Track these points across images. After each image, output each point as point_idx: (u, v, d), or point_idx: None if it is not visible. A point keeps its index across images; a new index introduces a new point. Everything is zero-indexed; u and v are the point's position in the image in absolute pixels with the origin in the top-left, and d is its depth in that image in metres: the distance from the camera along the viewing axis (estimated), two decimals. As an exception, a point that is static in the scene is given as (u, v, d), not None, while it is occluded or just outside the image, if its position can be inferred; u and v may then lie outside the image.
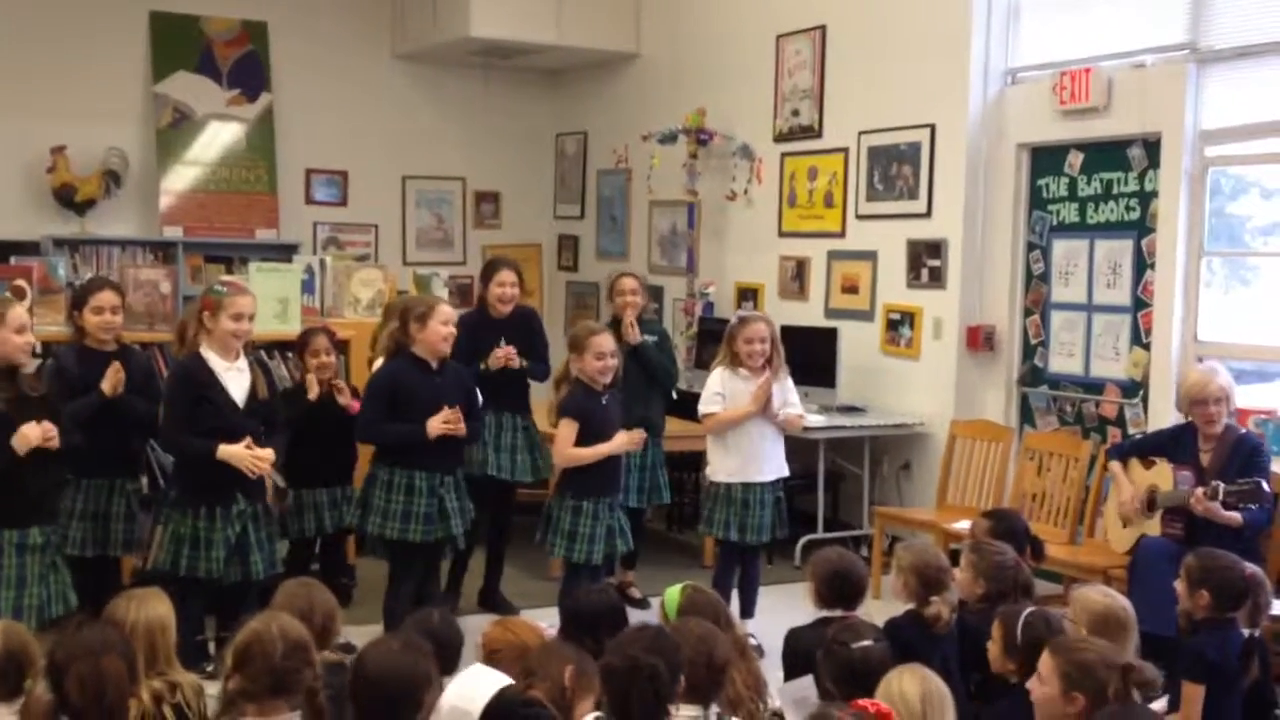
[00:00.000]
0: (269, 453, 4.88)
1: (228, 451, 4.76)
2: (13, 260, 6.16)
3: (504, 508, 6.05)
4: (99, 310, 5.01)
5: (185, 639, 3.70)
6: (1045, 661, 3.17)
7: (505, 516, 6.11)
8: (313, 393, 5.53)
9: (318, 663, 3.04)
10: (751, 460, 5.54)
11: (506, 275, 6.06)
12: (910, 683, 2.92)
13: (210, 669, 4.36)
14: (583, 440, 5.26)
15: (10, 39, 8.66)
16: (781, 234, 8.25)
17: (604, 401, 5.32)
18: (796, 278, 8.12)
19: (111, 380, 4.92)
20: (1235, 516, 4.90)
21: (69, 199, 8.69)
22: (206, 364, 4.84)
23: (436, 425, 5.06)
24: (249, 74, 9.36)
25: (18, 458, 4.27)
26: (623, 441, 5.30)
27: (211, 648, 4.87)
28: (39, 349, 4.89)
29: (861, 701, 2.75)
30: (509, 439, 6.00)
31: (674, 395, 6.95)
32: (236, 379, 4.89)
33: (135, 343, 5.69)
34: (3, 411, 4.25)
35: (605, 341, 5.29)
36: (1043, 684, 3.16)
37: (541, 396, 6.76)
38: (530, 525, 6.48)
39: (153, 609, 3.37)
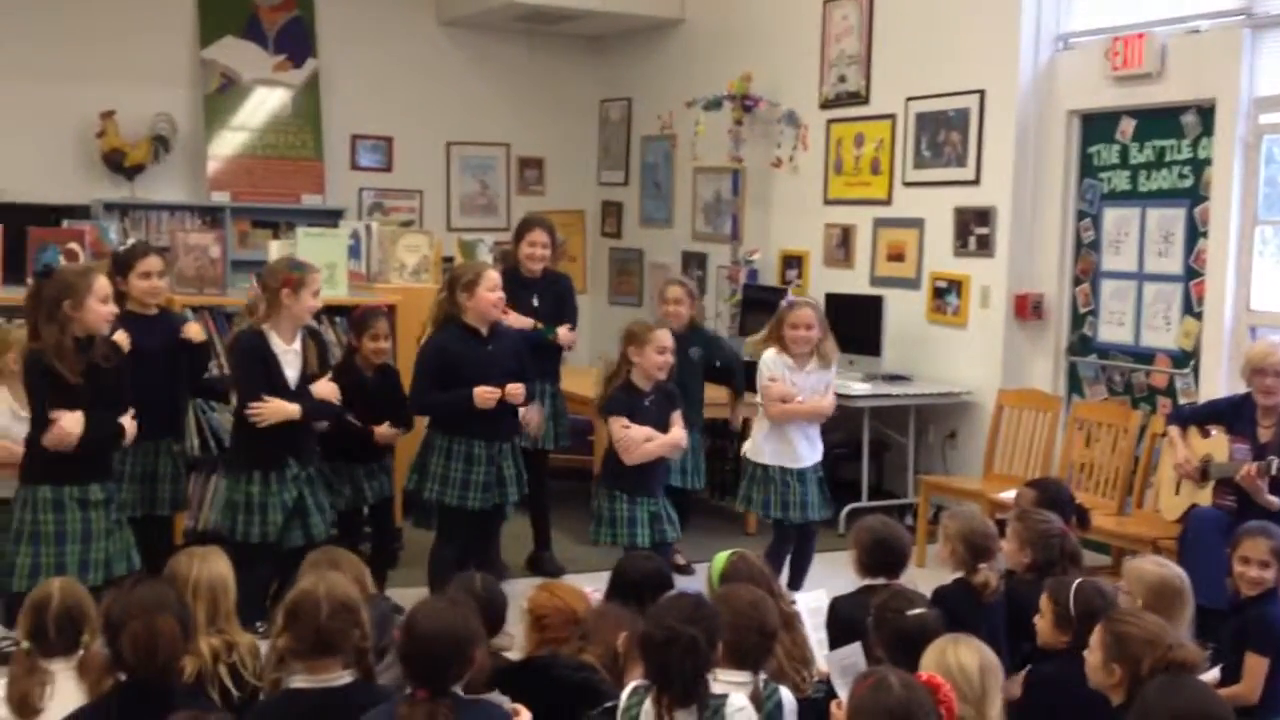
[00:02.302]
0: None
1: (276, 408, 4.80)
2: (65, 224, 6.22)
3: (538, 474, 6.03)
4: (147, 275, 4.99)
5: (246, 600, 3.71)
6: (1096, 630, 3.20)
7: (540, 482, 6.09)
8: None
9: (366, 623, 3.07)
10: (793, 447, 5.50)
11: (538, 235, 6.05)
12: (968, 654, 2.91)
13: (262, 629, 4.41)
14: None
15: (62, 4, 8.71)
16: (827, 201, 8.20)
17: (646, 404, 5.26)
18: (842, 245, 8.08)
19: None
20: (1274, 500, 4.87)
21: (118, 164, 8.77)
22: (268, 343, 4.87)
23: (485, 394, 5.07)
24: (295, 39, 9.38)
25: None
26: (677, 438, 5.27)
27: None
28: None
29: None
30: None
31: (716, 364, 6.94)
32: (293, 361, 4.92)
33: (185, 306, 5.74)
34: (74, 384, 4.24)
35: (666, 337, 5.24)
36: (1091, 652, 3.19)
37: (582, 361, 6.79)
38: (575, 491, 6.52)
39: (214, 567, 3.41)
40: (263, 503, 4.84)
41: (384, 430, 5.46)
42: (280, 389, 4.86)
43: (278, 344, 4.88)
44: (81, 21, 8.77)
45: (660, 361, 5.22)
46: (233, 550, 4.00)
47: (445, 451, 5.16)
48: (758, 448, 5.56)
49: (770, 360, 5.50)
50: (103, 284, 4.35)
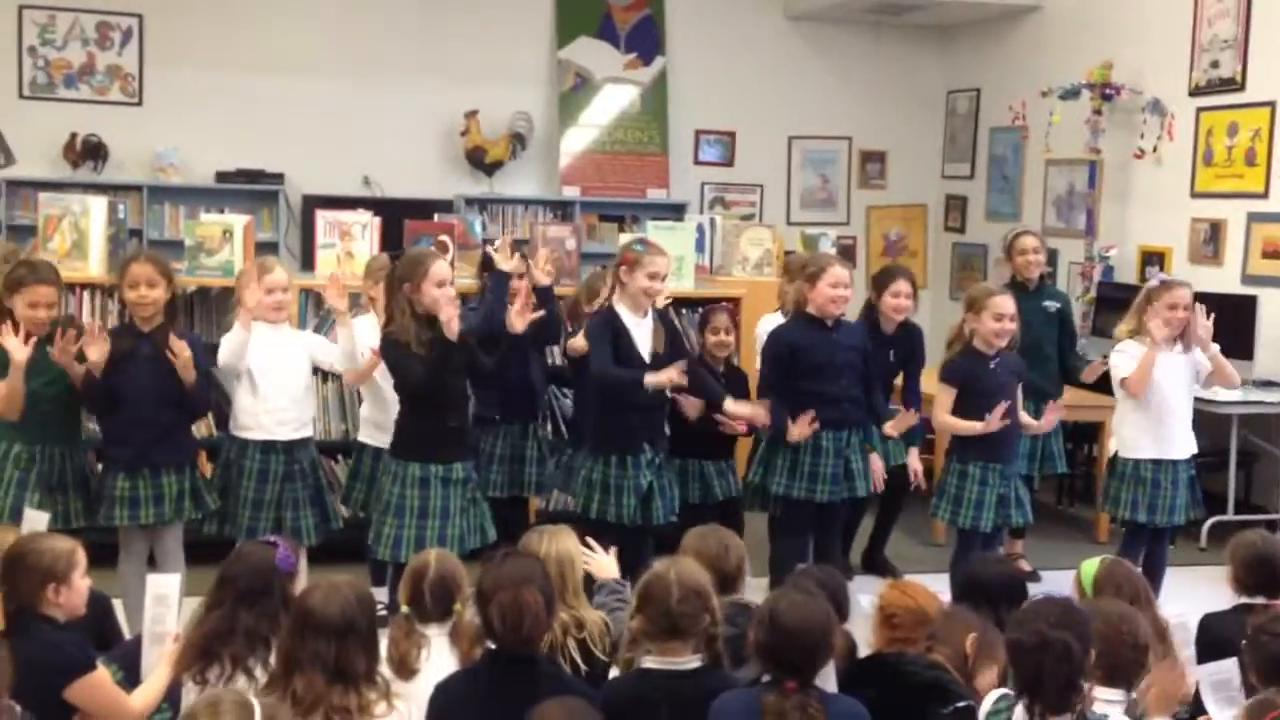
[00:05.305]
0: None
1: (653, 379, 4.84)
2: (435, 217, 6.62)
3: (899, 474, 5.86)
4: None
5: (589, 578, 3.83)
6: None
7: (901, 481, 5.91)
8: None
9: (717, 609, 3.10)
10: (1168, 434, 5.19)
11: (902, 285, 5.71)
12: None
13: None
14: (965, 405, 5.12)
15: (430, 9, 9.28)
16: (1194, 194, 7.70)
17: (992, 366, 5.12)
18: (1210, 241, 7.56)
19: (524, 319, 5.06)
20: None
21: (479, 160, 9.27)
22: (619, 317, 5.01)
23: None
24: (645, 38, 9.64)
25: (436, 396, 4.55)
26: (998, 417, 5.01)
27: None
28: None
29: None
30: None
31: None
32: (645, 335, 5.02)
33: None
34: (420, 353, 4.51)
35: (1006, 303, 5.08)
36: None
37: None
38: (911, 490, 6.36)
39: (563, 543, 3.53)
40: (619, 485, 4.96)
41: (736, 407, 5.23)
42: (634, 361, 4.94)
43: (628, 318, 4.98)
44: (448, 25, 9.31)
45: (997, 328, 5.06)
46: (584, 527, 4.13)
47: (792, 444, 5.14)
48: (1131, 441, 5.26)
49: (1133, 344, 5.20)
50: (439, 269, 4.56)
